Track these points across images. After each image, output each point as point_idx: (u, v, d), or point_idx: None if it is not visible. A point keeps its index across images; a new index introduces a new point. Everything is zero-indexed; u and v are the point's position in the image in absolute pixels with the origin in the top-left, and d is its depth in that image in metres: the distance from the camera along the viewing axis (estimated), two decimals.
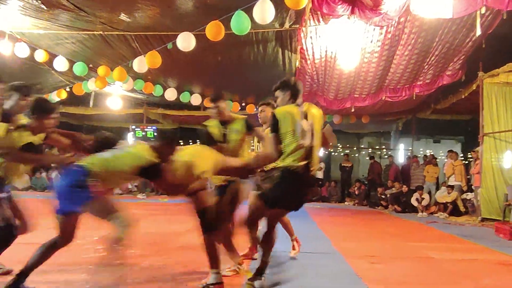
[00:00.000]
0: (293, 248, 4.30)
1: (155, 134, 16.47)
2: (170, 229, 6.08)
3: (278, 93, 3.27)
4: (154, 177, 3.07)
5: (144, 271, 3.63)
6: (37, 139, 3.16)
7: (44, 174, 13.86)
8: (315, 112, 3.24)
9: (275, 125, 3.09)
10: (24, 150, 3.06)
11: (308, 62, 8.48)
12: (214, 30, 6.26)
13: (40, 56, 8.28)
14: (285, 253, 4.30)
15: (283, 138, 3.08)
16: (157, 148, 3.01)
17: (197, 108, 12.40)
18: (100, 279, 3.23)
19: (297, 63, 8.45)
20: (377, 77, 8.92)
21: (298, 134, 3.03)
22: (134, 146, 3.13)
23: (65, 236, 2.86)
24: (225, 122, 3.57)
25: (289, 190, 3.06)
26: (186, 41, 6.77)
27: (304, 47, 7.92)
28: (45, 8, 6.30)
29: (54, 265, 3.66)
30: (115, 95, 12.20)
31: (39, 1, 6.05)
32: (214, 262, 3.15)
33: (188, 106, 12.45)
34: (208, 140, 3.51)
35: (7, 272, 3.33)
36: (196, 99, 11.37)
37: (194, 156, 3.08)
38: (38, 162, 3.09)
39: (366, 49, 7.87)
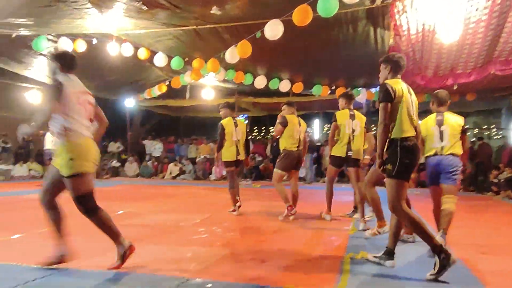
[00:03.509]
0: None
1: (246, 121, 16.96)
2: (265, 214, 6.24)
3: (381, 66, 3.42)
4: None
5: (242, 253, 3.79)
6: None
7: (149, 163, 15.18)
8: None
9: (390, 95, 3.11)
10: None
11: (403, 38, 7.93)
12: (301, 15, 6.12)
13: (142, 53, 9.02)
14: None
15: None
16: None
17: (285, 94, 12.35)
18: (202, 260, 3.47)
19: (391, 41, 7.96)
20: (484, 49, 7.99)
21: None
22: None
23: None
24: None
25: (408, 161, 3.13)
26: (274, 30, 6.72)
27: (398, 23, 7.41)
28: (145, 9, 6.82)
29: (164, 244, 4.03)
30: (208, 86, 12.81)
31: (140, 2, 6.55)
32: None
33: (277, 93, 12.48)
34: None
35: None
36: (284, 86, 11.32)
37: None
38: None
39: (470, 19, 7.09)
